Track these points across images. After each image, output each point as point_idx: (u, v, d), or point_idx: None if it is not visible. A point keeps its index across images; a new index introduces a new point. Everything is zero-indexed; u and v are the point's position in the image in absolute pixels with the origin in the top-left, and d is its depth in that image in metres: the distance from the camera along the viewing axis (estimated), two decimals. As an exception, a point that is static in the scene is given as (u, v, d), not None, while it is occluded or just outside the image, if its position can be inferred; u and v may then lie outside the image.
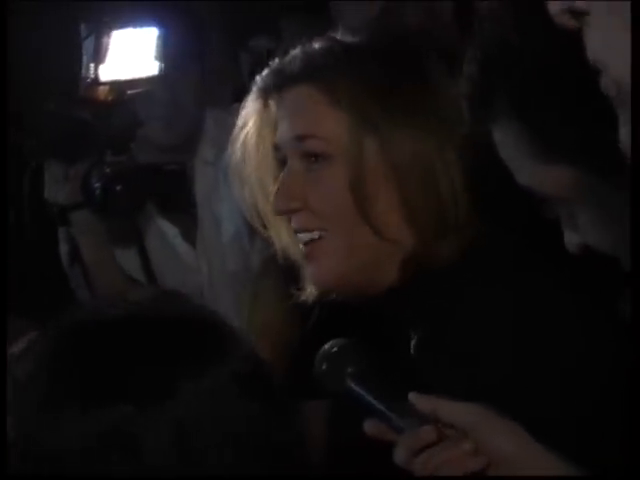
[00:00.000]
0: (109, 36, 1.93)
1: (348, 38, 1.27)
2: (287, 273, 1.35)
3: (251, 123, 1.26)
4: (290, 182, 1.23)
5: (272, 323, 1.61)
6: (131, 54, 1.98)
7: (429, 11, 1.89)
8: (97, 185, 2.03)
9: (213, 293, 2.09)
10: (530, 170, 1.03)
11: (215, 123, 2.10)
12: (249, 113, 1.26)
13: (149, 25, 1.97)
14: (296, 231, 1.25)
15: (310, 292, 1.28)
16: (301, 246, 1.24)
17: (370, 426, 1.11)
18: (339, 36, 1.27)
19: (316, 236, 1.24)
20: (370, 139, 1.21)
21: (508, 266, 1.22)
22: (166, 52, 2.00)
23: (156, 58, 1.98)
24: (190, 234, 2.21)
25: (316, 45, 1.25)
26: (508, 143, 1.05)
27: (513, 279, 1.21)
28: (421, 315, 1.23)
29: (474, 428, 1.08)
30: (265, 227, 1.30)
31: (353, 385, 1.12)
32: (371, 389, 1.12)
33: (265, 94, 1.25)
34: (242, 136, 1.26)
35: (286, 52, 1.25)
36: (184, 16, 2.09)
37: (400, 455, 1.09)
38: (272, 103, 1.25)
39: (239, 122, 1.26)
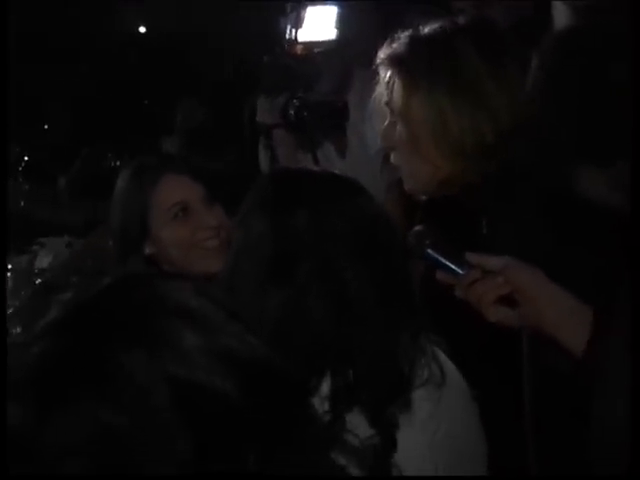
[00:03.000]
0: (305, 11, 2.60)
1: (425, 29, 1.56)
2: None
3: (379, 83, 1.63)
4: (386, 130, 1.60)
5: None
6: (319, 23, 2.62)
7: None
8: (291, 112, 2.62)
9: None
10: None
11: (359, 77, 2.65)
12: (378, 80, 1.63)
13: (331, 4, 2.65)
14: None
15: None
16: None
17: (440, 275, 1.37)
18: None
19: (398, 165, 1.61)
20: (414, 101, 1.52)
21: (531, 168, 1.41)
22: (337, 24, 2.64)
23: (334, 27, 2.63)
24: (342, 150, 2.76)
25: (399, 39, 1.57)
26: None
27: (539, 174, 1.39)
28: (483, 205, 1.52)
29: (505, 271, 1.28)
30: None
31: (429, 251, 1.38)
32: (441, 253, 1.37)
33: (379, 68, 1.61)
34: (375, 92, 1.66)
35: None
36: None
37: (458, 290, 1.33)
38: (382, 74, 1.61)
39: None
